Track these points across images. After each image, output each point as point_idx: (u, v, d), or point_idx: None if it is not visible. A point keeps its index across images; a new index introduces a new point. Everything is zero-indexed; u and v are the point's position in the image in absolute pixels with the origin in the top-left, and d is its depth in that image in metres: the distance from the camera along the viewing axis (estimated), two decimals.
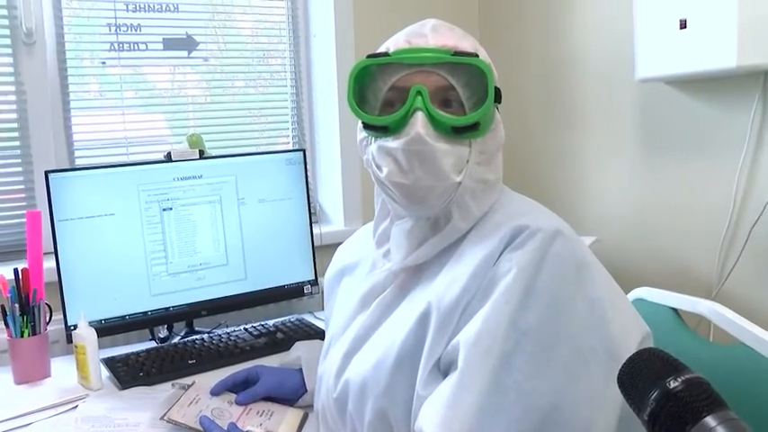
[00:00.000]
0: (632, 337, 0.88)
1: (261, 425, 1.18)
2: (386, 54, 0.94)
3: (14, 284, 1.45)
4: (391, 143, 0.92)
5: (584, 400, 0.82)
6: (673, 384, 0.55)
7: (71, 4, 1.83)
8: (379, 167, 0.95)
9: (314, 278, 1.83)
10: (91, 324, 1.46)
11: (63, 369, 1.50)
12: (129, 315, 1.60)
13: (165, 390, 1.34)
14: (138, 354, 1.54)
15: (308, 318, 1.83)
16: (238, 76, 2.09)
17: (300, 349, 1.33)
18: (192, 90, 2.04)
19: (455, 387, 0.82)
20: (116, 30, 1.88)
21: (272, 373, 1.28)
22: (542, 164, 2.10)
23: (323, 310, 1.28)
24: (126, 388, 1.40)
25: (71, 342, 1.46)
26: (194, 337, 1.68)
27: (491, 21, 2.25)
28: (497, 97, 0.94)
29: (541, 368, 0.81)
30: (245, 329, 1.71)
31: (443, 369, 0.87)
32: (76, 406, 1.32)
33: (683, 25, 1.48)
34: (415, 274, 0.98)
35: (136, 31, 1.91)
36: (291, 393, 1.26)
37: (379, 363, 0.92)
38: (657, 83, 1.69)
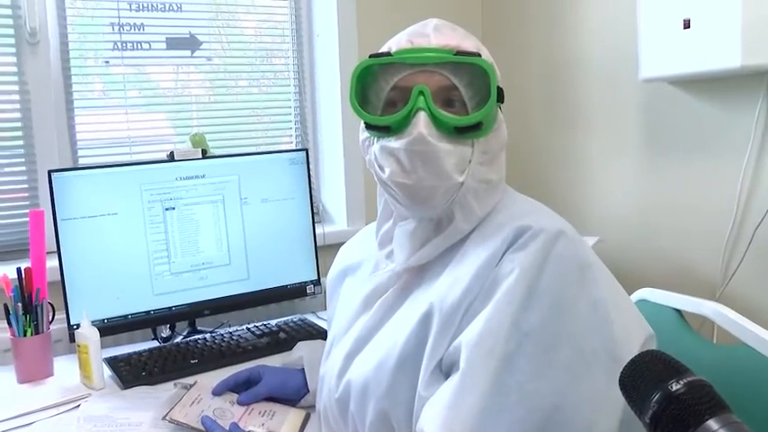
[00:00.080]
0: (635, 339, 0.88)
1: (263, 425, 1.18)
2: (388, 54, 0.94)
3: (17, 283, 1.45)
4: (393, 143, 0.91)
5: (586, 401, 0.82)
6: (675, 387, 0.55)
7: (74, 3, 1.83)
8: (381, 168, 0.95)
9: (316, 278, 1.83)
10: (93, 323, 1.46)
11: (66, 368, 1.50)
12: (131, 314, 1.60)
13: (168, 389, 1.34)
14: (140, 353, 1.54)
15: (311, 318, 1.83)
16: (242, 76, 2.09)
17: (302, 349, 1.32)
18: (195, 90, 2.04)
19: (457, 388, 0.82)
20: (119, 29, 1.89)
21: (274, 374, 1.28)
22: (545, 164, 2.09)
23: (325, 309, 1.27)
24: (128, 387, 1.40)
25: (74, 341, 1.46)
26: (197, 336, 1.68)
27: (494, 20, 2.25)
28: (500, 97, 0.94)
29: (543, 369, 0.81)
30: (248, 329, 1.71)
31: (445, 370, 0.87)
32: (79, 405, 1.32)
33: (687, 25, 1.48)
34: (417, 275, 0.98)
35: (139, 30, 1.91)
36: (293, 394, 1.26)
37: (381, 364, 0.92)
38: (661, 83, 1.68)
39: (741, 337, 1.06)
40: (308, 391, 1.25)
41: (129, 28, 1.90)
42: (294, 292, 1.81)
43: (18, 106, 1.75)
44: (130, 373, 1.45)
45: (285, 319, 1.79)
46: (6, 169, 1.76)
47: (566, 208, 1.94)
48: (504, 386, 0.81)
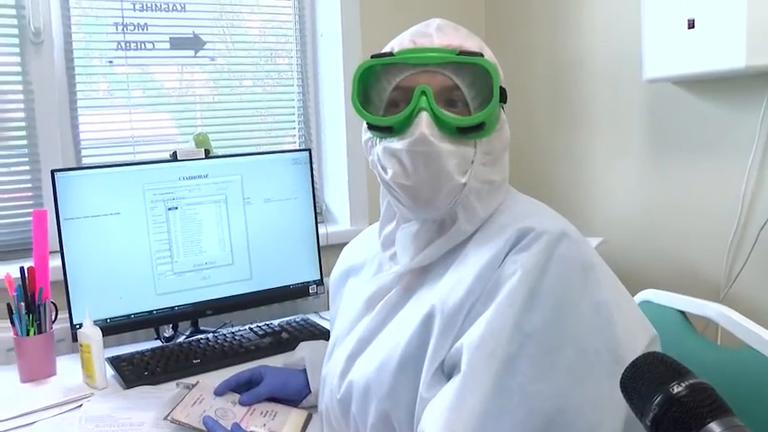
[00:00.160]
0: (638, 340, 0.87)
1: (264, 425, 1.18)
2: (390, 54, 0.94)
3: (20, 283, 1.46)
4: (396, 144, 0.91)
5: (589, 403, 0.81)
6: (676, 389, 0.55)
7: (79, 3, 1.83)
8: (384, 169, 0.94)
9: (319, 278, 1.83)
10: (96, 323, 1.47)
11: (68, 367, 1.50)
12: (134, 314, 1.60)
13: (170, 389, 1.34)
14: (142, 353, 1.55)
15: (314, 318, 1.83)
16: (246, 76, 2.09)
17: (305, 350, 1.32)
18: (198, 90, 2.04)
19: (458, 390, 0.81)
20: (123, 29, 1.89)
21: (276, 374, 1.28)
22: (549, 164, 2.09)
23: (328, 310, 1.27)
24: (130, 387, 1.40)
25: (76, 341, 1.46)
26: (199, 336, 1.68)
27: (497, 21, 2.25)
28: (503, 97, 0.93)
29: (546, 371, 0.81)
30: (251, 329, 1.71)
31: (447, 372, 0.87)
32: (81, 405, 1.32)
33: (692, 25, 1.47)
34: (420, 276, 0.98)
35: (143, 30, 1.92)
36: (295, 394, 1.26)
37: (383, 365, 0.92)
38: (665, 83, 1.67)
39: (745, 340, 1.05)
40: (310, 391, 1.25)
41: (132, 28, 1.90)
42: (297, 293, 1.81)
43: (22, 106, 1.76)
44: (133, 372, 1.45)
45: (288, 319, 1.79)
46: (10, 169, 1.77)
47: (569, 209, 1.93)
48: (506, 388, 0.80)
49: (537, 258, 0.85)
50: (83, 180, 1.55)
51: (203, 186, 1.66)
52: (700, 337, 1.18)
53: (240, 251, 1.71)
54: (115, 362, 1.50)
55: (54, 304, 1.51)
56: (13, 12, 1.72)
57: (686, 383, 0.55)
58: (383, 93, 0.95)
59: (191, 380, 1.33)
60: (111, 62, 1.89)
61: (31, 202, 1.78)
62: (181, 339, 1.68)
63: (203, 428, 1.13)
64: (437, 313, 0.89)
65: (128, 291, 1.59)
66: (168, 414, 1.16)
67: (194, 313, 1.70)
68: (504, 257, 0.87)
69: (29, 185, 1.78)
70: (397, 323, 0.96)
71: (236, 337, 1.64)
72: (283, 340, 1.62)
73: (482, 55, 0.92)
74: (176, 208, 1.63)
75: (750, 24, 1.36)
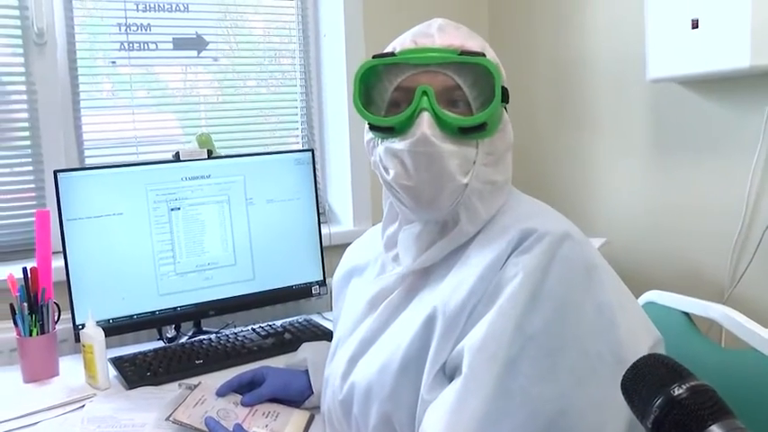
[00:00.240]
0: (642, 343, 0.86)
1: (266, 426, 1.18)
2: (392, 54, 0.94)
3: (23, 283, 1.46)
4: (397, 144, 0.91)
5: (592, 405, 0.80)
6: (677, 391, 0.54)
7: (82, 4, 1.84)
8: (386, 169, 0.94)
9: (322, 279, 1.82)
10: (99, 323, 1.47)
11: (71, 368, 1.50)
12: (136, 315, 1.60)
13: (172, 390, 1.34)
14: (145, 353, 1.55)
15: (316, 318, 1.83)
16: (250, 76, 2.09)
17: (307, 351, 1.32)
18: (202, 90, 2.04)
19: (459, 392, 0.81)
20: (126, 29, 1.89)
21: (278, 375, 1.28)
22: (552, 165, 2.08)
23: (331, 310, 1.27)
24: (133, 388, 1.40)
25: (79, 341, 1.46)
26: (202, 337, 1.68)
27: (500, 21, 2.24)
28: (505, 97, 0.93)
29: (548, 373, 0.80)
30: (253, 330, 1.70)
31: (449, 374, 0.86)
32: (83, 405, 1.32)
33: (695, 25, 1.46)
34: (422, 277, 0.97)
35: (146, 30, 1.92)
36: (297, 395, 1.25)
37: (385, 367, 0.91)
38: (669, 83, 1.67)
39: (749, 342, 1.04)
40: (312, 392, 1.25)
41: (135, 28, 1.90)
42: (299, 293, 1.81)
43: (25, 106, 1.76)
44: (135, 373, 1.45)
45: (290, 319, 1.79)
46: (14, 169, 1.77)
47: (572, 209, 1.93)
48: (507, 390, 0.80)
49: (539, 260, 0.85)
50: (85, 180, 1.55)
51: (206, 187, 1.66)
52: (704, 338, 1.18)
53: (243, 252, 1.71)
54: (118, 362, 1.50)
55: (57, 305, 1.51)
56: (17, 12, 1.72)
57: (687, 385, 0.55)
58: (385, 93, 0.95)
59: (193, 380, 1.33)
60: (113, 62, 1.90)
61: (34, 203, 1.78)
62: (183, 340, 1.68)
63: (205, 429, 1.13)
64: (439, 315, 0.88)
65: (130, 291, 1.59)
66: (170, 415, 1.16)
67: (197, 314, 1.70)
68: (506, 259, 0.87)
69: (32, 186, 1.78)
70: (400, 325, 0.96)
71: (239, 338, 1.63)
72: (286, 341, 1.62)
73: (484, 55, 0.91)
74: (179, 208, 1.63)
75: (754, 24, 1.35)
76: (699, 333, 1.18)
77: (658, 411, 0.54)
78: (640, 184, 1.81)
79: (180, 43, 1.97)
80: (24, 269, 1.47)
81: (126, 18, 1.88)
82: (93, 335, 1.42)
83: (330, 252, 1.86)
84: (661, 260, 1.75)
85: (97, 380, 1.41)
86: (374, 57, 0.95)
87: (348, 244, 1.23)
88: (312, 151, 1.82)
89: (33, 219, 1.53)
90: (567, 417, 0.79)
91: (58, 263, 1.52)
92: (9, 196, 1.76)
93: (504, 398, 0.79)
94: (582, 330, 0.83)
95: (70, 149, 1.81)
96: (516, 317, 0.82)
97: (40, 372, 1.47)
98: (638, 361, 0.60)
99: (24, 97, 1.76)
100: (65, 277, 1.52)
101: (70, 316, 1.53)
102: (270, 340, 1.62)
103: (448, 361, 0.86)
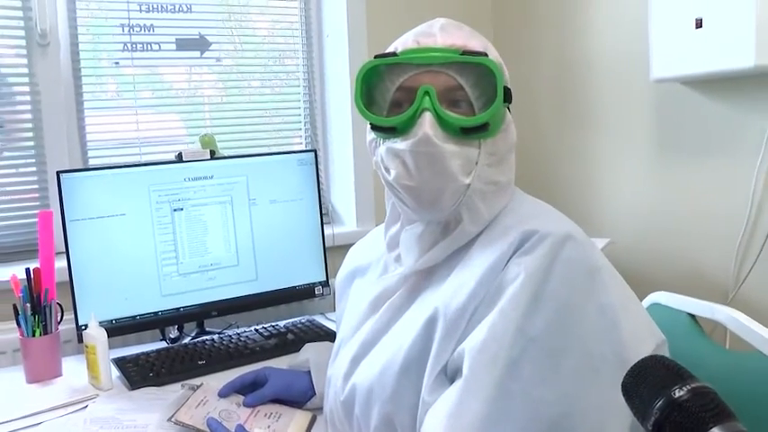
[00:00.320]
0: (645, 345, 0.85)
1: (268, 427, 1.18)
2: (394, 54, 0.93)
3: (26, 284, 1.46)
4: (399, 144, 0.91)
5: (594, 408, 0.80)
6: (678, 393, 0.54)
7: (85, 5, 1.84)
8: (387, 170, 0.94)
9: (325, 279, 1.82)
10: (102, 324, 1.47)
11: (74, 368, 1.51)
12: (139, 315, 1.60)
13: (175, 390, 1.34)
14: (148, 354, 1.55)
15: (319, 319, 1.83)
16: (254, 77, 2.09)
17: (309, 351, 1.32)
18: (206, 90, 2.04)
19: (460, 394, 0.80)
20: (129, 30, 1.89)
21: (281, 376, 1.28)
22: (555, 165, 2.08)
23: (334, 311, 1.27)
24: (136, 388, 1.40)
25: (82, 342, 1.46)
26: (204, 337, 1.68)
27: (504, 21, 2.24)
28: (507, 97, 0.92)
29: (549, 375, 0.80)
30: (256, 330, 1.70)
31: (450, 375, 0.86)
32: (86, 406, 1.32)
33: (699, 24, 1.46)
34: (425, 278, 0.97)
35: (149, 31, 1.92)
36: (299, 396, 1.25)
37: (386, 368, 0.91)
38: (673, 83, 1.66)
39: (754, 344, 1.03)
40: (315, 393, 1.25)
41: (138, 29, 1.90)
42: (302, 294, 1.81)
43: (29, 107, 1.76)
44: (138, 373, 1.45)
45: (293, 320, 1.79)
46: (17, 170, 1.77)
47: (576, 209, 1.92)
48: (508, 392, 0.79)
49: (540, 261, 0.84)
50: (88, 181, 1.55)
51: (209, 187, 1.66)
52: (709, 340, 1.17)
53: (246, 252, 1.71)
54: (120, 363, 1.50)
55: (60, 305, 1.51)
56: (20, 14, 1.72)
57: (688, 387, 0.54)
58: (387, 93, 0.95)
59: (195, 381, 1.33)
60: (117, 63, 1.90)
61: (37, 204, 1.78)
62: (186, 341, 1.68)
63: (207, 430, 1.12)
64: (440, 317, 0.88)
65: (133, 292, 1.59)
66: (172, 416, 1.16)
67: (200, 314, 1.70)
68: (508, 260, 0.87)
69: (35, 187, 1.78)
70: (402, 326, 0.95)
71: (242, 339, 1.63)
72: (288, 341, 1.62)
73: (486, 54, 0.91)
74: (182, 209, 1.63)
75: (759, 23, 1.34)
76: (704, 335, 1.17)
77: (659, 413, 0.54)
78: (644, 185, 1.80)
79: (183, 44, 1.97)
80: (27, 270, 1.47)
81: (129, 19, 1.89)
82: (96, 335, 1.42)
83: (333, 253, 1.86)
84: (664, 260, 1.75)
85: (100, 380, 1.41)
86: (376, 57, 0.94)
87: (351, 244, 1.23)
88: (315, 152, 1.82)
89: (36, 220, 1.53)
90: (568, 419, 0.79)
91: (60, 263, 1.53)
92: (12, 197, 1.77)
93: (505, 400, 0.79)
94: (584, 332, 0.82)
95: (73, 150, 1.81)
96: (517, 318, 0.82)
97: (42, 372, 1.47)
98: (638, 362, 0.59)
99: (28, 98, 1.76)
100: (68, 278, 1.52)
101: (73, 316, 1.53)
102: (272, 341, 1.62)
103: (449, 363, 0.86)
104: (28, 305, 1.45)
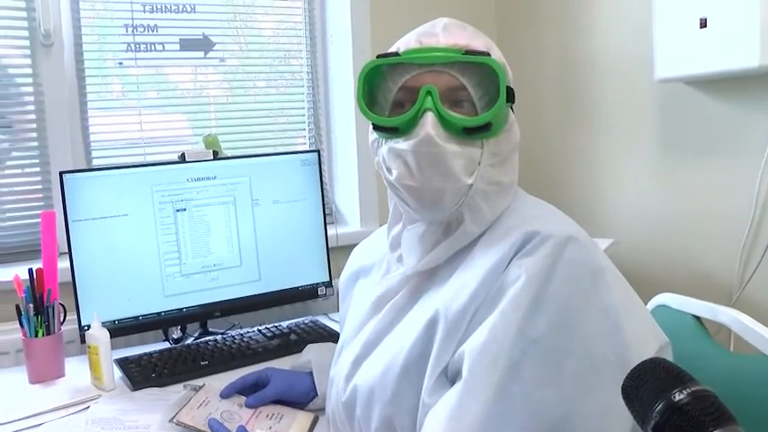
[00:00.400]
0: (648, 347, 0.85)
1: (270, 428, 1.18)
2: (396, 54, 0.93)
3: (29, 284, 1.46)
4: (401, 144, 0.90)
5: (596, 410, 0.79)
6: (678, 397, 0.53)
7: (89, 5, 1.84)
8: (389, 170, 0.94)
9: (328, 280, 1.82)
10: (104, 324, 1.47)
11: (77, 369, 1.51)
12: (142, 316, 1.60)
13: (177, 391, 1.34)
14: (150, 354, 1.55)
15: (323, 319, 1.82)
16: (258, 77, 2.10)
17: (311, 352, 1.32)
18: (210, 91, 2.04)
19: (460, 396, 0.80)
20: (133, 30, 1.89)
21: (283, 377, 1.27)
22: (559, 165, 2.07)
23: (338, 311, 1.27)
24: (138, 389, 1.40)
25: (85, 342, 1.46)
26: (207, 338, 1.68)
27: (508, 21, 2.23)
28: (511, 97, 0.92)
29: (550, 377, 0.79)
30: (259, 331, 1.70)
31: (450, 377, 0.86)
32: (89, 406, 1.32)
33: (704, 24, 1.45)
34: (427, 278, 0.97)
35: (152, 31, 1.92)
36: (301, 397, 1.25)
37: (387, 369, 0.91)
38: (677, 83, 1.65)
39: (759, 346, 1.03)
40: (317, 394, 1.24)
41: (142, 29, 1.91)
42: (305, 294, 1.80)
43: (32, 107, 1.77)
44: (140, 374, 1.45)
45: (296, 320, 1.79)
46: (21, 170, 1.78)
47: (580, 210, 1.91)
48: (509, 394, 0.79)
49: (542, 263, 0.84)
50: (90, 182, 1.55)
51: (211, 188, 1.66)
52: (713, 342, 1.16)
53: (249, 253, 1.71)
54: (123, 363, 1.50)
55: (62, 306, 1.51)
56: (24, 14, 1.73)
57: (688, 391, 0.54)
58: (389, 93, 0.94)
59: (198, 382, 1.33)
60: (121, 63, 1.90)
61: (41, 204, 1.78)
62: (189, 341, 1.68)
63: (208, 431, 1.12)
64: (441, 318, 0.87)
65: (136, 292, 1.59)
66: (174, 416, 1.16)
67: (203, 315, 1.69)
68: (509, 262, 0.86)
69: (39, 187, 1.79)
70: (403, 327, 0.95)
71: (245, 339, 1.63)
72: (291, 342, 1.62)
73: (489, 54, 0.90)
74: (184, 209, 1.63)
75: (763, 23, 1.34)
76: (709, 337, 1.16)
77: (659, 417, 0.54)
78: (648, 185, 1.80)
79: (186, 44, 1.97)
80: (30, 270, 1.47)
81: (133, 19, 1.89)
82: (99, 336, 1.42)
83: (336, 253, 1.86)
84: (668, 261, 1.74)
85: (102, 381, 1.41)
86: (378, 56, 0.94)
87: (355, 245, 1.23)
88: (318, 152, 1.82)
89: (39, 220, 1.53)
90: (570, 421, 0.78)
91: (63, 264, 1.53)
92: (16, 197, 1.77)
93: (506, 402, 0.78)
94: (586, 334, 0.82)
95: (77, 150, 1.82)
96: (518, 321, 0.81)
97: (45, 373, 1.47)
98: (638, 365, 0.59)
99: (31, 98, 1.76)
100: (70, 278, 1.53)
101: (76, 317, 1.53)
102: (275, 341, 1.62)
103: (449, 365, 0.85)
104: (31, 305, 1.45)
